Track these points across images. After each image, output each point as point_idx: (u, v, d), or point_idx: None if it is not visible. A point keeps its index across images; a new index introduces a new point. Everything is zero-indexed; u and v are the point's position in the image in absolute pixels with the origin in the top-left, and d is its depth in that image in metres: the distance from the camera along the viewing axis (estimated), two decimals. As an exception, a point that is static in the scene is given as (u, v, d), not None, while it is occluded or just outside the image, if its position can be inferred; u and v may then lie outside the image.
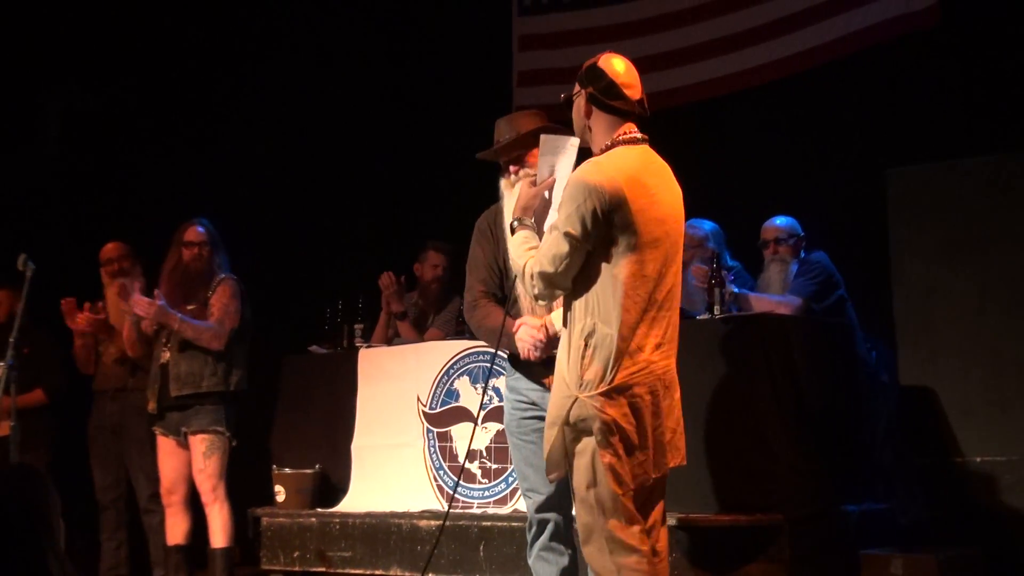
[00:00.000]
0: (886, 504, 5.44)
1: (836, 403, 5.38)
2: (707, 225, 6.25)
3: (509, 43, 8.36)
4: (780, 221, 6.06)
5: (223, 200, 7.84)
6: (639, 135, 3.76)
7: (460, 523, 5.73)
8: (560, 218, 3.63)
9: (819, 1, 7.05)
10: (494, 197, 4.60)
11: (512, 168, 4.40)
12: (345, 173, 8.28)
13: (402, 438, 6.22)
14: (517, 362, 4.42)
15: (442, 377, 6.15)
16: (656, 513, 3.77)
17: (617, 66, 3.77)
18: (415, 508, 6.00)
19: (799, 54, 7.10)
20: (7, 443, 5.79)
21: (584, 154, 3.89)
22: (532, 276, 3.70)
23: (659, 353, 3.67)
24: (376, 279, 6.80)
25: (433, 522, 5.82)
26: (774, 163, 7.05)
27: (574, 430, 3.63)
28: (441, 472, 6.07)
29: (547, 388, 4.14)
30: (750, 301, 5.65)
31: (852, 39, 6.92)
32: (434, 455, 6.10)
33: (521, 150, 4.36)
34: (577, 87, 3.80)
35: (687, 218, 6.33)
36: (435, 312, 6.87)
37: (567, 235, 3.59)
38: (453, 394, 6.09)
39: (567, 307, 3.74)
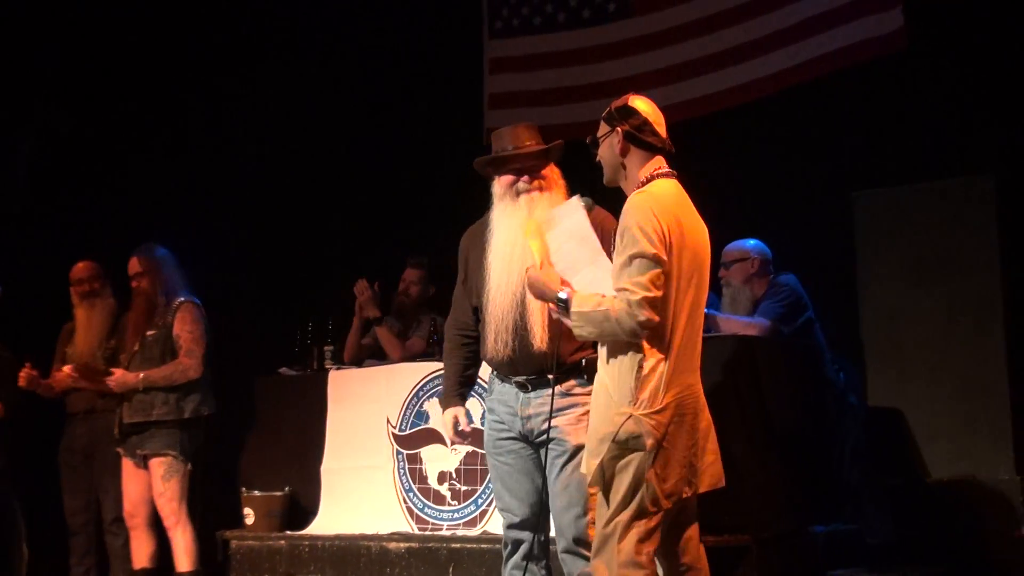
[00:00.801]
0: (854, 525, 5.46)
1: (804, 424, 5.40)
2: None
3: (480, 66, 8.39)
4: (730, 245, 6.08)
5: (194, 221, 7.82)
6: (669, 170, 3.88)
7: (429, 545, 5.73)
8: (628, 247, 3.65)
9: (786, 25, 7.10)
10: (466, 216, 4.64)
11: (517, 178, 4.39)
12: (316, 194, 8.28)
13: (372, 460, 6.21)
14: (494, 383, 4.47)
15: (411, 399, 6.15)
16: (690, 531, 3.89)
17: (644, 106, 3.90)
18: (385, 530, 5.99)
19: (767, 77, 7.15)
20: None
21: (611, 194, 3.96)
22: (633, 306, 3.61)
23: (695, 376, 3.81)
24: (345, 301, 6.80)
25: (403, 544, 5.81)
26: (742, 185, 7.09)
27: (621, 447, 3.68)
28: (411, 494, 6.06)
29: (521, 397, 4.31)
30: (718, 322, 5.66)
31: (819, 62, 6.96)
32: (404, 477, 6.09)
33: (532, 162, 4.39)
34: (605, 127, 3.89)
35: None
36: (409, 324, 6.87)
37: (653, 256, 3.62)
38: (423, 416, 6.08)
39: None
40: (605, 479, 3.74)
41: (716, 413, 5.06)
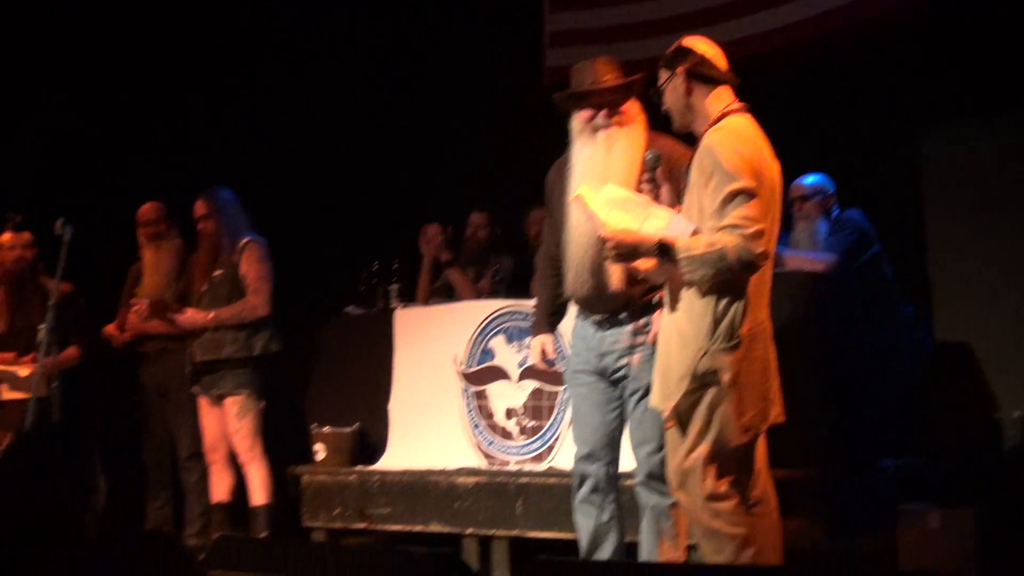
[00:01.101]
0: (922, 459, 5.47)
1: (871, 358, 5.41)
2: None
3: (539, 4, 8.34)
4: (806, 180, 6.06)
5: (257, 161, 7.89)
6: (743, 105, 3.86)
7: (498, 479, 5.80)
8: (724, 183, 3.61)
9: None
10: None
11: (595, 113, 4.39)
12: (380, 135, 8.30)
13: (439, 397, 6.28)
14: (576, 319, 4.52)
15: (478, 337, 6.20)
16: (760, 464, 3.92)
17: (701, 44, 3.89)
18: (452, 466, 6.08)
19: (833, 10, 7.07)
20: (50, 403, 5.92)
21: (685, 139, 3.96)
22: (746, 240, 3.57)
23: (765, 312, 3.82)
24: (411, 239, 6.86)
25: (471, 479, 5.89)
26: (807, 123, 7.03)
27: (698, 380, 3.69)
28: (478, 430, 6.13)
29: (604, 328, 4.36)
30: (784, 258, 5.66)
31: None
32: (471, 413, 6.16)
33: (611, 97, 4.38)
34: (665, 74, 3.87)
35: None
36: (479, 270, 6.92)
37: (752, 189, 3.60)
38: (489, 353, 6.14)
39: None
40: (681, 414, 3.75)
41: (783, 348, 5.06)
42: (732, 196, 3.62)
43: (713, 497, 3.73)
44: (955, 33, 6.65)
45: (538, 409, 5.95)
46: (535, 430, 5.96)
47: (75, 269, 6.05)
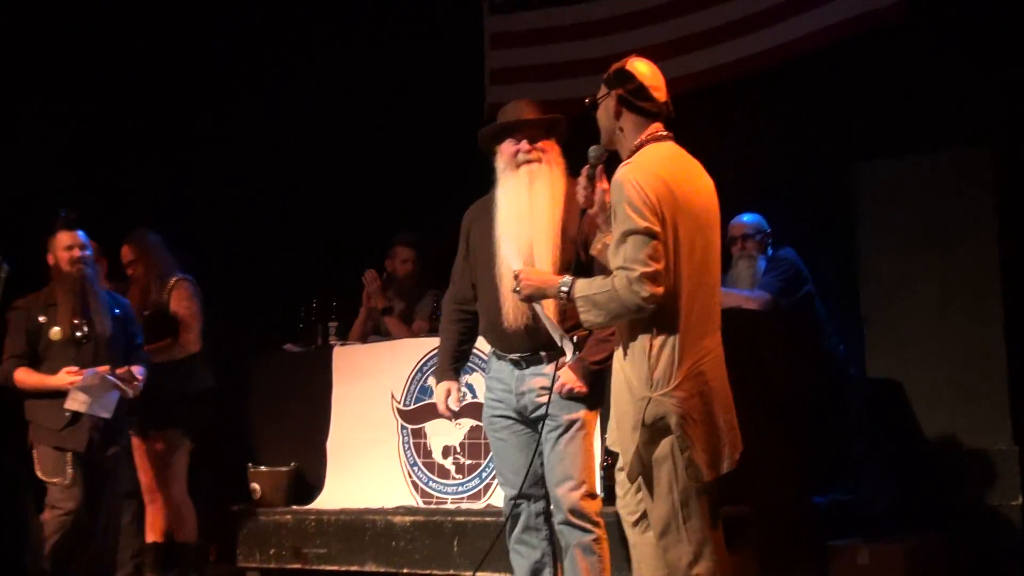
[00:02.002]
0: (854, 495, 5.51)
1: (804, 396, 5.45)
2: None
3: (481, 42, 8.40)
4: (747, 218, 6.12)
5: (198, 199, 7.86)
6: (665, 132, 3.81)
7: (434, 518, 5.79)
8: (624, 221, 3.58)
9: (787, -1, 7.11)
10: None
11: (518, 146, 4.42)
12: (318, 173, 8.30)
13: (377, 435, 6.26)
14: (492, 360, 4.53)
15: (416, 374, 6.20)
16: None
17: (644, 69, 3.82)
18: (390, 504, 6.05)
19: (768, 50, 7.15)
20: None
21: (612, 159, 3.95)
22: (633, 283, 3.53)
23: (714, 338, 3.71)
24: (350, 277, 6.85)
25: (408, 518, 5.87)
26: (742, 160, 7.10)
27: (651, 431, 3.62)
28: (415, 468, 6.11)
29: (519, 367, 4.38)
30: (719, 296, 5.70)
31: (820, 34, 6.96)
32: (408, 451, 6.15)
33: (532, 131, 4.42)
34: (604, 90, 3.83)
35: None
36: (411, 304, 6.92)
37: (645, 230, 3.55)
38: (427, 391, 6.13)
39: None
40: (644, 467, 3.67)
41: (716, 385, 5.16)
42: (624, 237, 3.59)
43: (703, 543, 3.65)
44: (890, 71, 6.75)
45: (475, 447, 5.94)
46: (472, 468, 5.96)
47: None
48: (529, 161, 4.41)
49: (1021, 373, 5.44)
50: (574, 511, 4.29)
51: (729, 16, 7.32)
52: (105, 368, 5.60)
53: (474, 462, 5.94)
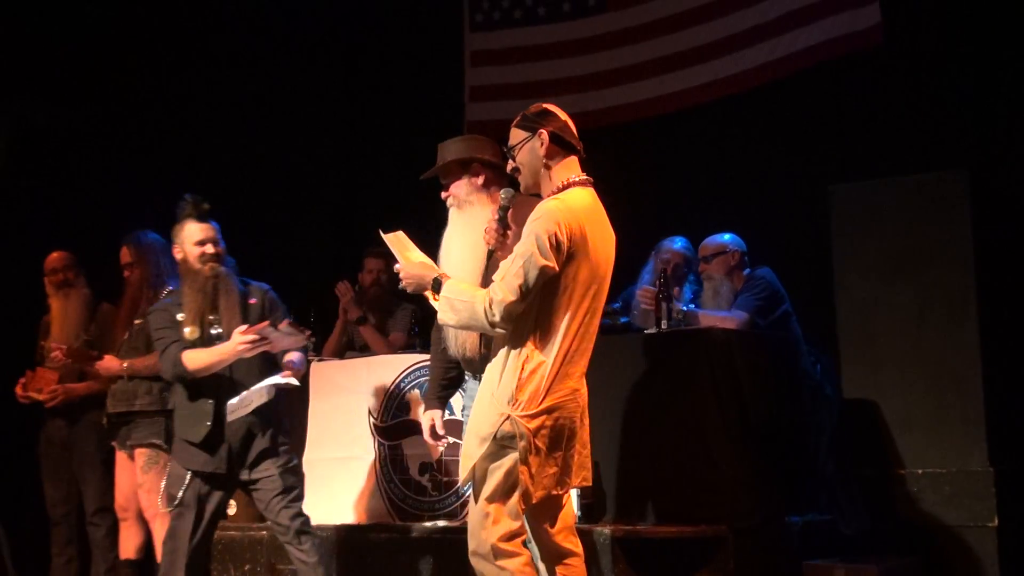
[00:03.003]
0: (829, 515, 5.52)
1: (780, 415, 5.46)
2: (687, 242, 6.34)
3: (461, 59, 8.43)
4: (708, 240, 6.16)
5: (173, 212, 7.83)
6: (587, 178, 3.97)
7: (411, 536, 5.77)
8: (528, 247, 3.75)
9: (764, 20, 7.17)
10: (444, 210, 4.70)
11: (445, 192, 4.57)
12: (295, 186, 8.30)
13: (353, 451, 6.25)
14: (468, 380, 4.55)
15: (393, 391, 6.19)
16: (564, 520, 4.03)
17: (558, 111, 4.00)
18: (366, 521, 6.03)
19: (744, 72, 7.22)
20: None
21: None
22: (492, 306, 3.75)
23: (581, 382, 3.92)
24: (326, 293, 6.84)
25: (383, 535, 5.85)
26: (719, 180, 7.16)
27: (497, 444, 3.80)
28: (392, 485, 6.10)
29: None
30: (698, 318, 5.73)
31: (796, 58, 7.04)
32: (385, 468, 6.14)
33: (445, 178, 4.57)
34: (522, 134, 3.95)
35: (635, 233, 6.49)
36: (384, 317, 6.91)
37: (542, 267, 3.72)
38: (404, 407, 6.13)
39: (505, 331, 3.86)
40: (477, 476, 3.86)
41: (693, 405, 5.18)
42: (519, 260, 3.76)
43: (499, 554, 3.82)
44: (866, 94, 6.81)
45: (453, 464, 5.94)
46: (449, 485, 5.95)
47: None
48: (450, 206, 4.55)
49: (996, 395, 5.47)
50: None
51: (707, 38, 7.39)
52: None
53: (451, 479, 5.93)
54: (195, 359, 5.04)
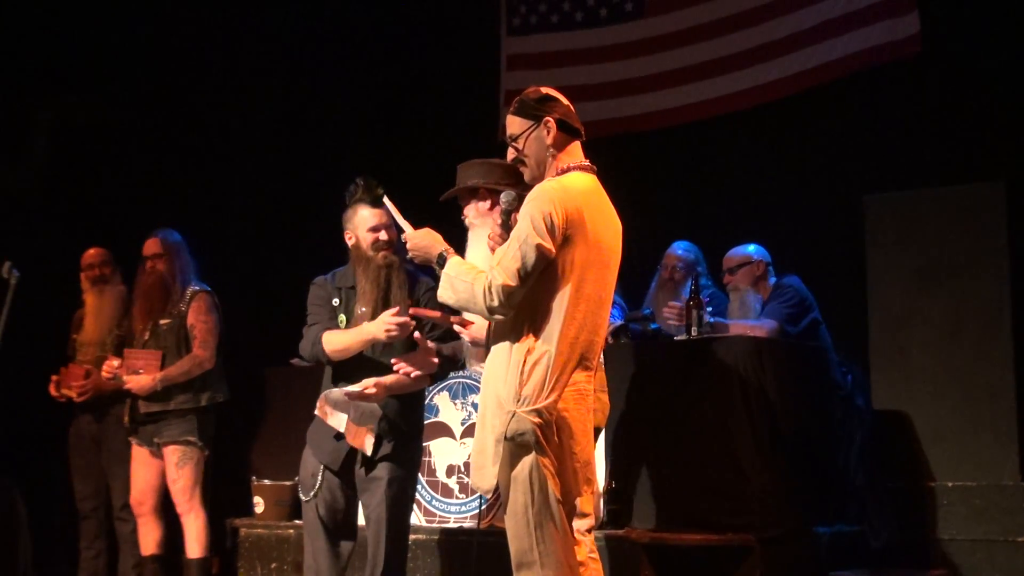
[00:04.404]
0: (857, 527, 5.49)
1: (809, 425, 5.43)
2: (694, 248, 6.36)
3: (497, 62, 8.44)
4: (732, 251, 6.15)
5: (208, 211, 7.89)
6: (590, 164, 3.86)
7: (436, 537, 5.77)
8: (524, 229, 3.63)
9: (801, 28, 7.14)
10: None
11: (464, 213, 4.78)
12: (331, 188, 8.31)
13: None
14: None
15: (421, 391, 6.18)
16: (583, 525, 3.80)
17: (560, 95, 3.88)
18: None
19: (781, 80, 7.19)
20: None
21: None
22: (491, 290, 3.62)
23: (587, 376, 3.75)
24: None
25: (410, 536, 5.84)
26: (753, 188, 7.13)
27: (512, 445, 3.65)
28: (419, 486, 6.10)
29: None
30: (727, 327, 5.71)
31: (834, 66, 7.01)
32: (412, 469, 6.13)
33: (461, 199, 4.77)
34: (525, 123, 3.81)
35: (670, 242, 6.50)
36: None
37: (538, 247, 3.60)
38: (432, 409, 6.13)
39: (503, 323, 3.74)
40: (501, 484, 3.71)
41: (722, 413, 5.16)
42: (515, 242, 3.65)
43: (548, 558, 3.65)
44: (903, 104, 6.77)
45: (479, 467, 5.93)
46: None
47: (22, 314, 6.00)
48: (469, 226, 4.75)
49: (1028, 409, 5.44)
50: None
51: (743, 45, 7.36)
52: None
53: (478, 482, 5.92)
54: (333, 341, 4.79)
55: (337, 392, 4.83)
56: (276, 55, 8.49)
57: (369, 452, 4.74)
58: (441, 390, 6.10)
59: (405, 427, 4.83)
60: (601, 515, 5.35)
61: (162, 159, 8.12)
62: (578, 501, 3.76)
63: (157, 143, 8.15)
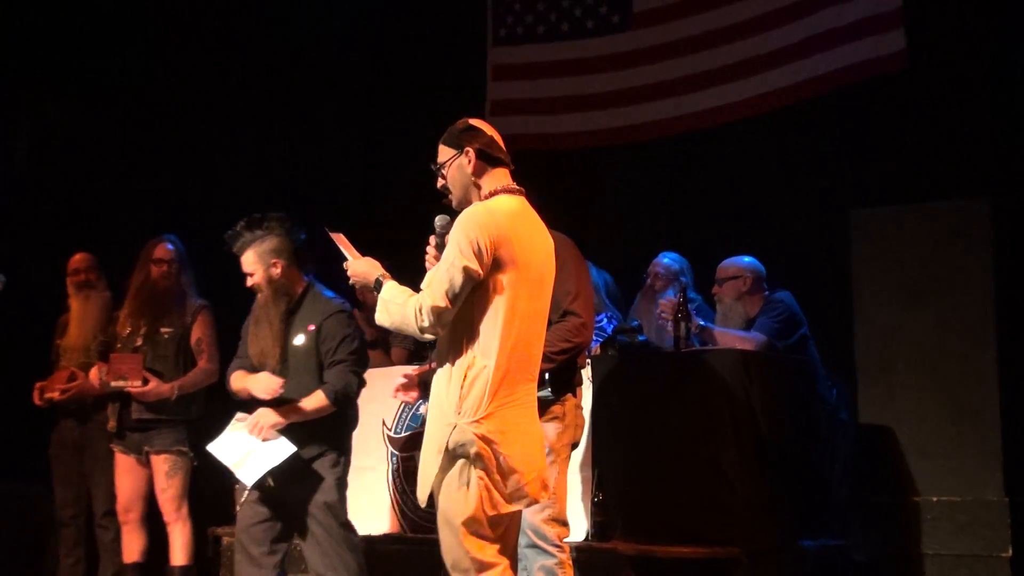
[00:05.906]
0: (842, 541, 5.51)
1: (795, 439, 5.44)
2: (679, 259, 6.37)
3: (483, 73, 8.44)
4: (726, 262, 6.16)
5: (192, 218, 7.85)
6: (516, 187, 3.96)
7: (421, 548, 5.75)
8: (452, 253, 3.75)
9: (788, 43, 7.17)
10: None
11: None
12: (313, 198, 8.30)
13: (366, 461, 6.22)
14: None
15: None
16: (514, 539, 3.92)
17: (485, 126, 4.01)
18: (377, 532, 6.02)
19: (767, 94, 7.22)
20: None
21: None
22: (421, 311, 3.74)
23: (528, 389, 3.86)
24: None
25: (394, 546, 5.84)
26: (740, 203, 7.15)
27: (451, 456, 3.74)
28: (404, 496, 6.09)
29: None
30: (715, 335, 5.72)
31: (821, 80, 7.04)
32: (397, 479, 6.12)
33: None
34: (449, 151, 3.93)
35: (656, 253, 6.51)
36: (385, 332, 6.91)
37: (465, 269, 3.71)
38: (418, 418, 6.12)
39: (445, 340, 3.84)
40: (436, 492, 3.80)
41: (709, 426, 5.16)
42: (444, 264, 3.76)
43: (481, 567, 3.75)
44: (889, 120, 6.81)
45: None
46: (460, 498, 5.92)
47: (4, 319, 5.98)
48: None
49: (1013, 425, 5.46)
50: (536, 532, 4.37)
51: (730, 58, 7.39)
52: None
53: (462, 493, 5.90)
54: (233, 381, 5.38)
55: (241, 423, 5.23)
56: (260, 64, 8.47)
57: (249, 484, 5.15)
58: (427, 400, 6.08)
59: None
60: (587, 527, 5.36)
61: (144, 164, 8.08)
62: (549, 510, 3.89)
63: (139, 148, 8.11)
